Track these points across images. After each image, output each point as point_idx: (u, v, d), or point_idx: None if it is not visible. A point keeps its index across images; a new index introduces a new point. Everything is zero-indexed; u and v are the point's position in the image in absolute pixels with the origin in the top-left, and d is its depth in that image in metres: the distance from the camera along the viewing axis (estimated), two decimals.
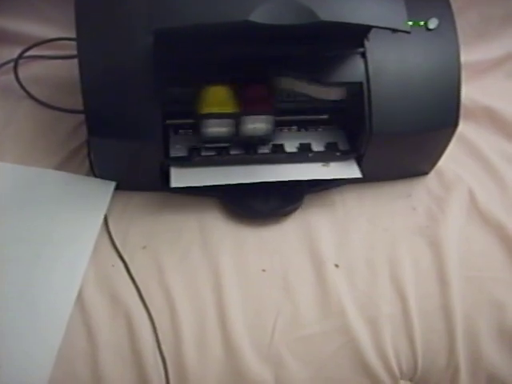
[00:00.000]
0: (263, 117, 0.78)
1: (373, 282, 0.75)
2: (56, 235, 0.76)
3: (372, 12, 0.66)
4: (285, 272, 0.75)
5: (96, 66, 0.72)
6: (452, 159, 0.88)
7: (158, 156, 0.76)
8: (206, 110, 0.77)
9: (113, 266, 0.75)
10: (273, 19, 0.62)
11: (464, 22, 0.93)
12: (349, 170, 0.79)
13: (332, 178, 0.79)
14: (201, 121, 0.78)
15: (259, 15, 0.62)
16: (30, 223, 0.76)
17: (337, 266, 0.76)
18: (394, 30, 0.67)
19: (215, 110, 0.77)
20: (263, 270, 0.75)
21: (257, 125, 0.78)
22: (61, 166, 0.84)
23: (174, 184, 0.75)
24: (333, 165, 0.80)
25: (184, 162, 0.78)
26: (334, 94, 0.80)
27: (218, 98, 0.77)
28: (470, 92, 0.92)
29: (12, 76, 0.92)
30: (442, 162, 0.86)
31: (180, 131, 0.82)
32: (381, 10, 0.66)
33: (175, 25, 0.63)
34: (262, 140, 0.81)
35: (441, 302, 0.73)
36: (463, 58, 0.78)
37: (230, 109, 0.77)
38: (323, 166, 0.80)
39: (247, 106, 0.77)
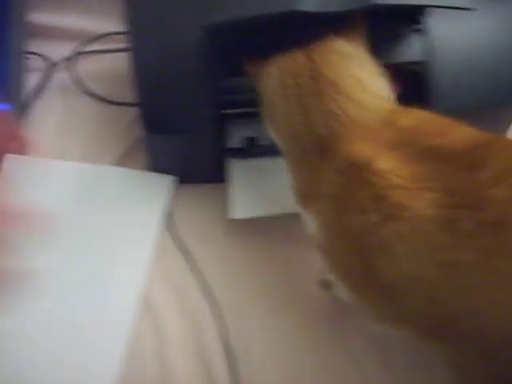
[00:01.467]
0: None
1: None
2: (119, 232, 0.77)
3: None
4: None
5: (148, 61, 0.72)
6: None
7: (215, 148, 0.75)
8: None
9: (178, 262, 0.75)
10: (321, 6, 0.60)
11: None
12: None
13: None
14: None
15: (307, 3, 0.59)
16: (89, 221, 0.78)
17: None
18: (455, 8, 0.63)
19: None
20: None
21: None
22: (120, 161, 0.84)
23: (235, 215, 0.73)
24: None
25: (242, 152, 0.77)
26: None
27: None
28: None
29: (68, 73, 0.93)
30: None
31: (237, 120, 0.81)
32: None
33: (222, 20, 0.62)
34: None
35: None
36: None
37: None
38: None
39: None
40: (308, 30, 0.67)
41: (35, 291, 0.69)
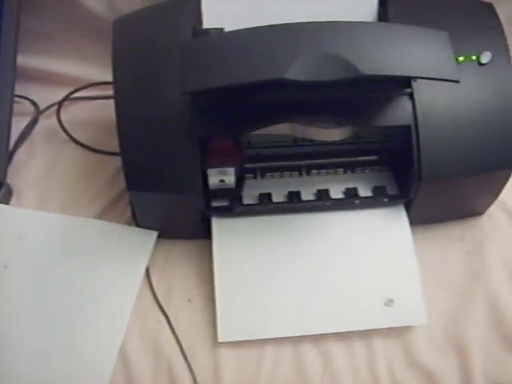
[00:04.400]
0: (227, 169, 0.74)
1: None
2: (98, 287, 0.75)
3: (417, 61, 0.62)
4: None
5: (133, 119, 0.71)
6: (509, 195, 0.82)
7: (198, 207, 0.74)
8: None
9: (157, 321, 0.73)
10: (311, 76, 0.60)
11: None
12: (414, 315, 0.72)
13: (396, 325, 0.72)
14: None
15: (297, 72, 0.59)
16: (72, 274, 0.76)
17: None
18: (442, 80, 0.63)
19: None
20: None
21: (222, 177, 0.75)
22: (103, 214, 0.83)
23: (221, 338, 0.70)
24: (397, 303, 0.72)
25: (225, 211, 0.77)
26: (335, 135, 0.74)
27: None
28: None
29: (55, 119, 0.92)
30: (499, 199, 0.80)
31: None
32: (426, 59, 0.62)
33: (207, 87, 0.62)
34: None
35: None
36: None
37: None
38: (385, 305, 0.72)
39: (211, 159, 0.73)
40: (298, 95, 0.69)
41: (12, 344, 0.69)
